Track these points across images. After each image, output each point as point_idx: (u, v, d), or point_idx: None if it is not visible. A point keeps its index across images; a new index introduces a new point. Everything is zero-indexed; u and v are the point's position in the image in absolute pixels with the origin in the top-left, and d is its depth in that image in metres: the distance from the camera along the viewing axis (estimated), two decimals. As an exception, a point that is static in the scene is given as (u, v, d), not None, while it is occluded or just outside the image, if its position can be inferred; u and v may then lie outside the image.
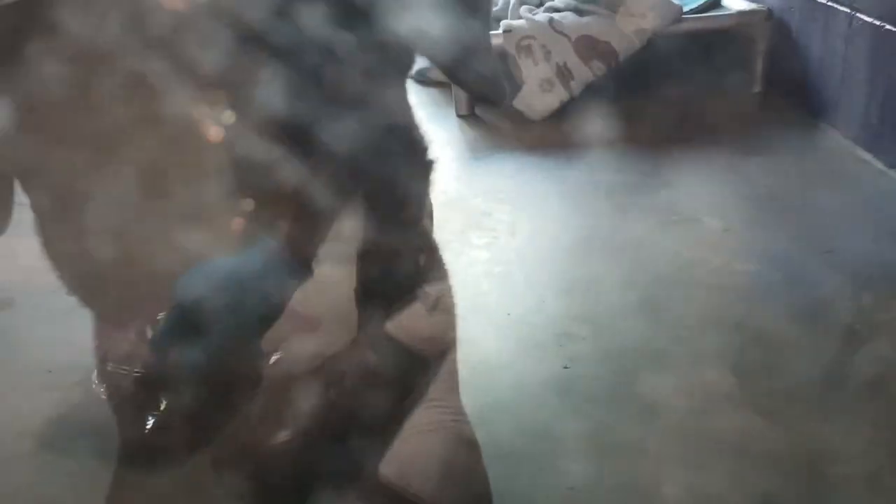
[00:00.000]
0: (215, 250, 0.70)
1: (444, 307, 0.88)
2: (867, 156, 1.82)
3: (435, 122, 2.23)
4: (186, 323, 0.66)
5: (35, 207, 0.72)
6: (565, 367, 1.17)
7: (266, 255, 0.68)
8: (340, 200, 0.73)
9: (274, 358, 0.83)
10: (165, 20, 0.65)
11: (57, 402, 1.10)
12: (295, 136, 0.67)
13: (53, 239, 0.72)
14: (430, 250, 0.92)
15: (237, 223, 0.72)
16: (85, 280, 0.76)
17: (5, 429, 1.08)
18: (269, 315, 0.69)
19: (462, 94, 2.23)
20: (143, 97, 0.66)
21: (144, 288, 0.75)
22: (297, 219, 0.70)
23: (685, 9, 2.24)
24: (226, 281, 0.65)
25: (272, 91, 0.64)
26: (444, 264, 0.96)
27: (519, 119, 2.17)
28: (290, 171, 0.69)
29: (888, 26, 1.70)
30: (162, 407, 0.81)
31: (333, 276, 0.83)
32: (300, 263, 0.70)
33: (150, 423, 0.82)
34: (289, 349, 0.82)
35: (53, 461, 1.01)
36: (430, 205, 0.99)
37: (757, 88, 2.26)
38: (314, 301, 0.81)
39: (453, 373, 0.89)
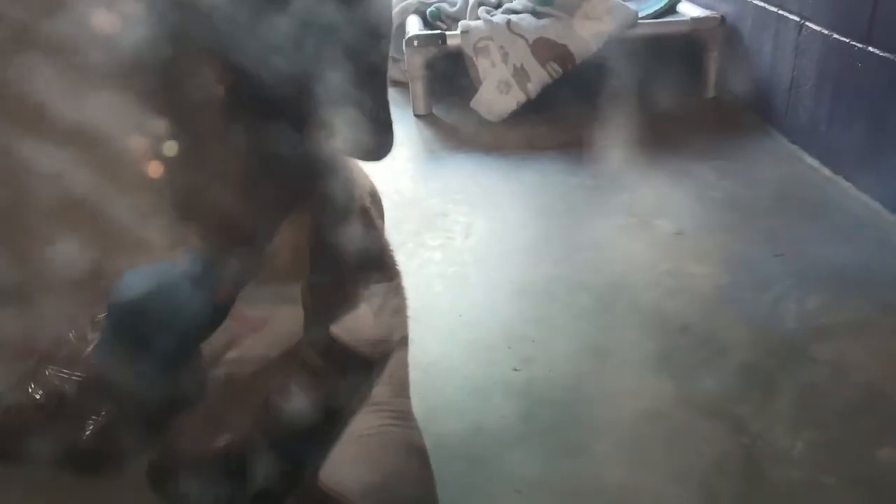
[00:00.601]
0: (152, 254, 0.68)
1: (391, 308, 0.87)
2: (815, 162, 1.86)
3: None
4: (126, 327, 0.64)
5: None
6: (515, 370, 1.17)
7: (209, 256, 0.66)
8: (287, 198, 0.72)
9: (219, 359, 0.81)
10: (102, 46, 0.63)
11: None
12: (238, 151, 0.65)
13: None
14: (380, 250, 0.91)
15: (177, 223, 0.71)
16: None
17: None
18: (209, 320, 0.67)
19: (420, 93, 2.23)
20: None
21: (81, 290, 0.73)
22: (235, 237, 0.68)
23: (641, 14, 2.27)
24: (165, 285, 0.63)
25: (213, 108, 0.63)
26: (395, 264, 0.95)
27: (476, 120, 2.17)
28: (231, 190, 0.68)
29: (836, 35, 1.74)
30: (103, 411, 0.79)
31: (279, 277, 0.82)
32: (246, 264, 0.68)
33: (91, 427, 0.80)
34: (236, 350, 0.81)
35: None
36: (381, 205, 0.98)
37: (710, 94, 2.30)
38: (259, 302, 0.80)
39: (401, 375, 0.88)
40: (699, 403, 1.09)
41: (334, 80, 0.64)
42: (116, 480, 0.83)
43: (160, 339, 0.64)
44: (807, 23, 1.85)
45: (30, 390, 0.85)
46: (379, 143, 0.72)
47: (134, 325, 0.63)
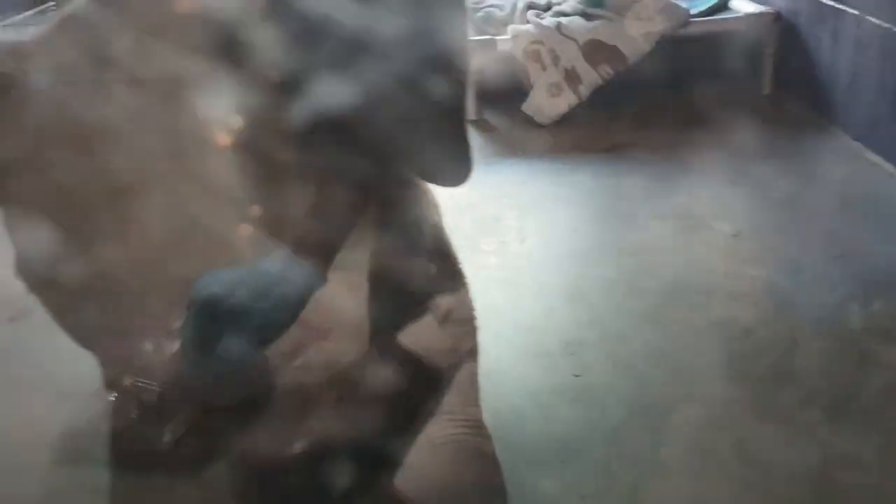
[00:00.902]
0: (229, 261, 0.70)
1: (456, 319, 0.88)
2: (877, 158, 1.81)
3: (444, 127, 2.23)
4: (205, 323, 0.65)
5: (9, 228, 0.71)
6: (575, 376, 1.18)
7: (282, 261, 0.68)
8: (358, 210, 0.73)
9: (288, 367, 0.83)
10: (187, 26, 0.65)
11: (72, 413, 1.11)
12: (318, 139, 0.66)
13: (33, 268, 0.72)
14: (446, 261, 0.92)
15: (252, 232, 0.73)
16: (68, 311, 0.76)
17: (21, 439, 1.09)
18: (284, 320, 0.68)
19: (471, 99, 2.23)
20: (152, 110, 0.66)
21: (152, 302, 0.75)
22: (315, 228, 0.69)
23: (693, 11, 2.24)
24: (243, 285, 0.65)
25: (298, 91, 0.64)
26: (462, 275, 0.96)
27: (528, 124, 2.18)
28: (310, 178, 0.69)
29: (897, 29, 1.70)
30: (181, 418, 0.81)
31: (343, 286, 0.83)
32: (316, 271, 0.70)
33: (168, 434, 0.82)
34: (302, 358, 0.83)
35: (69, 471, 1.02)
36: (440, 215, 0.99)
37: (766, 91, 2.26)
38: (325, 311, 0.82)
39: (471, 384, 0.89)
40: (765, 409, 1.08)
41: (415, 107, 0.66)
42: (195, 485, 0.85)
43: (236, 336, 0.65)
44: (867, 17, 1.81)
45: (111, 399, 0.88)
46: (458, 170, 0.74)
47: (213, 321, 0.64)
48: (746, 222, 1.60)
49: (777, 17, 2.20)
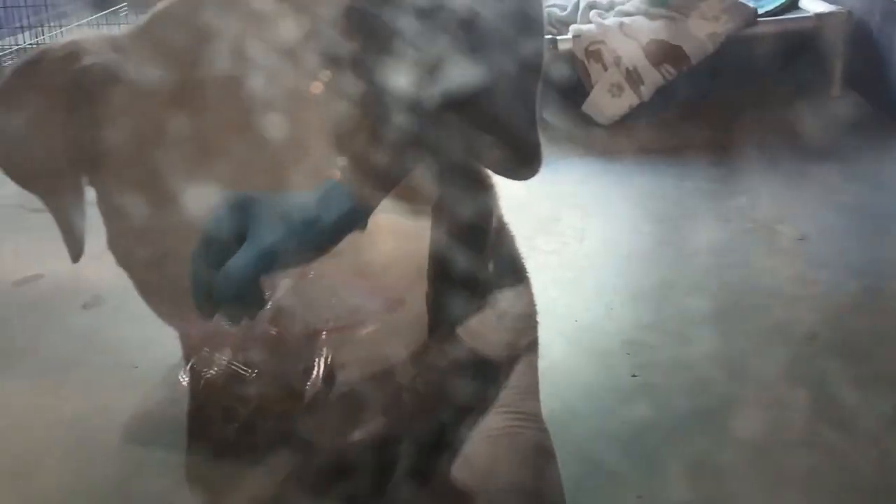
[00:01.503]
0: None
1: (516, 313, 0.88)
2: (953, 162, 1.75)
3: (503, 126, 2.23)
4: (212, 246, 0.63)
5: (103, 206, 0.73)
6: (634, 376, 1.17)
7: (324, 190, 0.65)
8: (413, 153, 0.71)
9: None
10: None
11: (143, 398, 1.16)
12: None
13: (121, 239, 0.74)
14: (507, 255, 0.93)
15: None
16: (156, 286, 0.77)
17: (93, 424, 1.14)
18: (320, 245, 0.66)
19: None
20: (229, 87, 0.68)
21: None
22: (365, 160, 0.67)
23: (761, 10, 2.20)
24: (260, 206, 0.64)
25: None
26: (523, 270, 0.96)
27: (588, 123, 2.16)
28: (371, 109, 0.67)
29: (978, 28, 1.64)
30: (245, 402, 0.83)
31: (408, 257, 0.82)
32: (359, 208, 0.67)
33: (236, 416, 0.84)
34: (372, 330, 0.80)
35: (140, 455, 1.06)
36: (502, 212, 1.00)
37: (835, 92, 2.20)
38: (395, 280, 0.81)
39: (529, 379, 0.90)
40: (829, 415, 1.06)
41: (488, 98, 0.67)
42: (259, 469, 0.88)
43: (241, 255, 0.64)
44: (944, 16, 1.75)
45: (181, 380, 0.90)
46: (528, 163, 0.74)
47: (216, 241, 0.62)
48: (812, 226, 1.56)
49: (848, 16, 2.14)
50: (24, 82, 0.71)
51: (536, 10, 0.73)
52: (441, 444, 0.78)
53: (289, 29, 0.67)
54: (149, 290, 0.78)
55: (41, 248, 1.32)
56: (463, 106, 0.66)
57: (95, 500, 1.02)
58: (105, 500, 1.01)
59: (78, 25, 2.75)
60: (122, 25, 2.73)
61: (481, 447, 0.77)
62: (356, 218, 0.64)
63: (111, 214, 0.73)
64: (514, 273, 0.89)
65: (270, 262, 0.60)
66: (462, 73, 0.65)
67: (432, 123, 0.65)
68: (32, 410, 1.17)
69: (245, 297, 0.61)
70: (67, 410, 1.16)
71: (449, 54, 0.64)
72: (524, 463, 0.79)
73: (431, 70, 0.64)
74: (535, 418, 0.83)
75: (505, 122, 0.71)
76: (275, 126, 0.66)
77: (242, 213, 0.61)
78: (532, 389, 0.86)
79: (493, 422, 0.79)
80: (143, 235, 0.70)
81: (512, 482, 0.76)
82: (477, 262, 0.87)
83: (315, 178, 0.64)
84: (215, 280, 0.59)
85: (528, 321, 0.90)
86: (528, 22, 0.72)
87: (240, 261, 0.59)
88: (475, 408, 0.80)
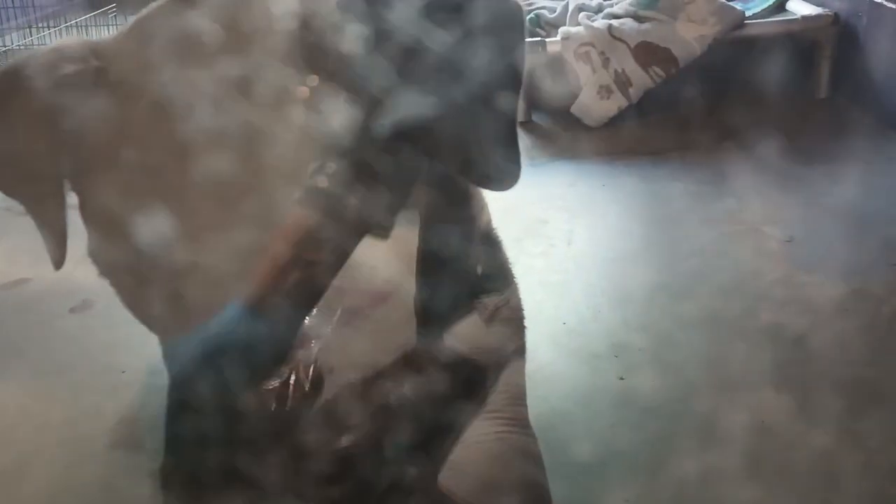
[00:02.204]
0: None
1: (503, 318, 0.89)
2: (938, 165, 1.77)
3: (492, 128, 2.24)
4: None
5: (85, 212, 0.74)
6: (621, 378, 1.18)
7: (248, 319, 0.68)
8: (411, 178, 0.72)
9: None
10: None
11: (130, 402, 1.15)
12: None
13: (103, 247, 0.74)
14: (494, 261, 0.93)
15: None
16: (139, 294, 0.78)
17: (82, 427, 1.13)
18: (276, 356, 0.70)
19: (520, 100, 2.24)
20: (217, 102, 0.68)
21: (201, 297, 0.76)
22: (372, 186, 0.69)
23: (748, 13, 2.21)
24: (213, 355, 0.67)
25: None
26: (510, 275, 0.97)
27: (576, 126, 2.17)
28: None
29: (962, 32, 1.65)
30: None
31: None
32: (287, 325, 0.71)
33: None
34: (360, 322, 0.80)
35: (126, 458, 1.06)
36: (489, 215, 1.00)
37: (822, 95, 2.22)
38: (380, 277, 0.81)
39: (517, 384, 0.90)
40: (815, 418, 1.07)
41: (475, 115, 0.67)
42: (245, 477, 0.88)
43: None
44: (929, 19, 1.77)
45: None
46: (507, 175, 0.75)
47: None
48: (800, 228, 1.57)
49: (835, 19, 2.15)
50: (6, 89, 0.71)
51: (519, 37, 0.74)
52: (429, 449, 0.78)
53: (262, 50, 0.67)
54: (130, 297, 0.78)
55: (28, 252, 1.32)
56: (422, 135, 0.67)
57: (83, 503, 1.01)
58: (93, 502, 1.01)
59: (66, 27, 2.74)
60: (110, 27, 2.72)
61: (468, 453, 0.78)
62: (291, 333, 0.67)
63: (93, 221, 0.73)
64: (502, 278, 0.90)
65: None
66: (417, 103, 0.66)
67: (391, 153, 0.66)
68: (20, 413, 1.16)
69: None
70: (56, 414, 1.15)
71: (409, 83, 0.65)
72: (511, 468, 0.79)
73: (391, 98, 0.65)
74: (522, 423, 0.84)
75: (488, 139, 0.72)
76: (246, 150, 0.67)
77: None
78: (520, 394, 0.86)
79: (480, 427, 0.79)
80: (125, 243, 0.70)
81: (499, 488, 0.76)
82: (464, 265, 0.88)
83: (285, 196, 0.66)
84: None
85: (515, 326, 0.90)
86: (508, 42, 0.72)
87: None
88: (462, 413, 0.80)
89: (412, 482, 0.77)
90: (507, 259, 0.94)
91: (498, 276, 0.90)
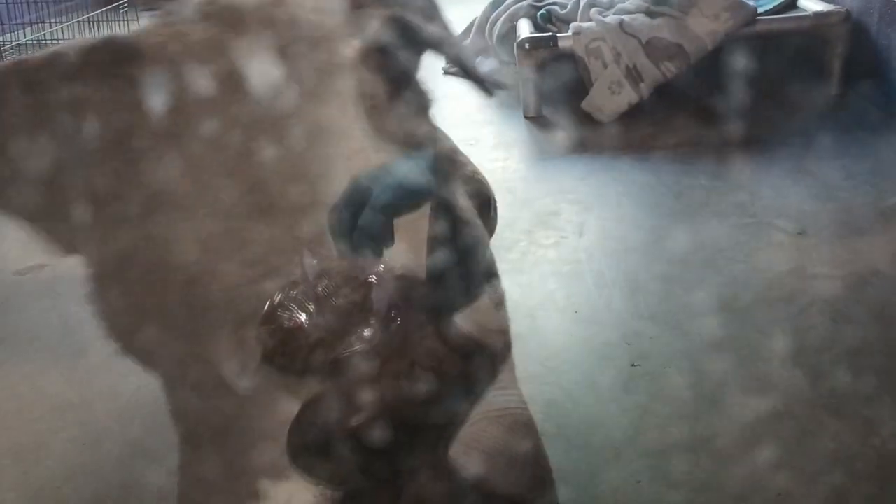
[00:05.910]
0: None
1: (503, 302, 0.90)
2: (951, 160, 1.76)
3: (503, 123, 2.25)
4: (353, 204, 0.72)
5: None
6: (633, 365, 1.18)
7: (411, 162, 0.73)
8: None
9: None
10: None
11: (139, 386, 1.16)
12: None
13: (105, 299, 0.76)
14: (488, 248, 0.94)
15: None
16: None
17: (97, 409, 1.15)
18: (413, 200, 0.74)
19: (531, 95, 2.25)
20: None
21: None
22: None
23: (760, 10, 2.21)
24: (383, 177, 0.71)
25: None
26: (494, 265, 0.98)
27: (587, 120, 2.17)
28: None
29: (975, 26, 1.65)
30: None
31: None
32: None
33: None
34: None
35: (140, 438, 1.07)
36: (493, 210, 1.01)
37: (834, 91, 2.21)
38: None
39: (513, 364, 0.91)
40: (828, 404, 1.07)
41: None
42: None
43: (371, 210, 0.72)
44: (942, 15, 1.77)
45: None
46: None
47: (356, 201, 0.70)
48: (811, 221, 1.57)
49: (847, 16, 2.15)
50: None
51: None
52: (439, 430, 0.79)
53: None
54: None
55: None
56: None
57: (98, 483, 1.02)
58: (107, 482, 1.02)
59: (78, 21, 2.76)
60: (122, 22, 2.74)
61: (480, 428, 0.78)
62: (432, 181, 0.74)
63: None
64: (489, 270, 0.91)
65: (398, 207, 0.71)
66: None
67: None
68: (38, 395, 1.18)
69: (381, 233, 0.70)
70: (71, 396, 1.17)
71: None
72: (517, 442, 0.80)
73: None
74: (523, 399, 0.85)
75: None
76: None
77: (372, 180, 0.70)
78: (511, 379, 0.88)
79: (492, 404, 0.80)
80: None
81: (506, 461, 0.76)
82: (476, 249, 0.88)
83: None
84: (362, 218, 0.69)
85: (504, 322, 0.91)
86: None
87: (378, 202, 0.69)
88: (474, 392, 0.81)
89: (424, 459, 0.77)
90: (491, 252, 0.96)
91: (492, 259, 0.91)
